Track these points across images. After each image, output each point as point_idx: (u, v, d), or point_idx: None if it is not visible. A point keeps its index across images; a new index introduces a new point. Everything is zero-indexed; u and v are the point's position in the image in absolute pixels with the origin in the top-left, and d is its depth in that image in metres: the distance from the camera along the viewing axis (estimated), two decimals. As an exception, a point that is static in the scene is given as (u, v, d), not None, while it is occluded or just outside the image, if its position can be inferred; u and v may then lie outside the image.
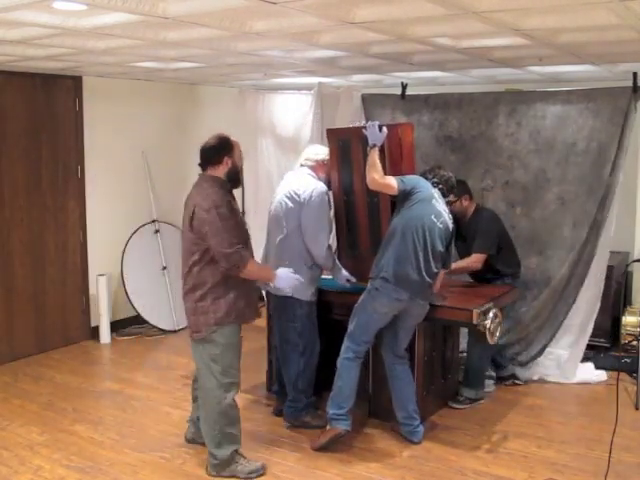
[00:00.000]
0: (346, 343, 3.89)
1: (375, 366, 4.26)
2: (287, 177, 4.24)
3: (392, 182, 3.81)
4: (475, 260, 4.50)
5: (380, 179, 3.82)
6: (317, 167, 4.13)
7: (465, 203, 4.58)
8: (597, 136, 4.76)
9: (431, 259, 3.76)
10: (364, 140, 4.02)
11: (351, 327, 3.89)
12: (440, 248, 3.80)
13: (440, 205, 3.86)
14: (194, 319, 3.52)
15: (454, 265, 4.23)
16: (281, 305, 4.05)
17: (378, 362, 4.19)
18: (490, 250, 4.53)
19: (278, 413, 4.34)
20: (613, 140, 4.68)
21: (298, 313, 4.02)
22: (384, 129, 4.00)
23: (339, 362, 3.89)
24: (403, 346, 3.94)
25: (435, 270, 3.81)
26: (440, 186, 4.00)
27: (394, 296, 3.73)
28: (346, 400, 3.85)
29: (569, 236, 4.92)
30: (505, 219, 5.11)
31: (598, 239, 4.80)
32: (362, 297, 3.86)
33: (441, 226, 3.80)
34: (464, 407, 4.50)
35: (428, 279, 3.77)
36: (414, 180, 3.88)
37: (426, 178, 4.00)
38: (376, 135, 3.96)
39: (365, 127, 4.04)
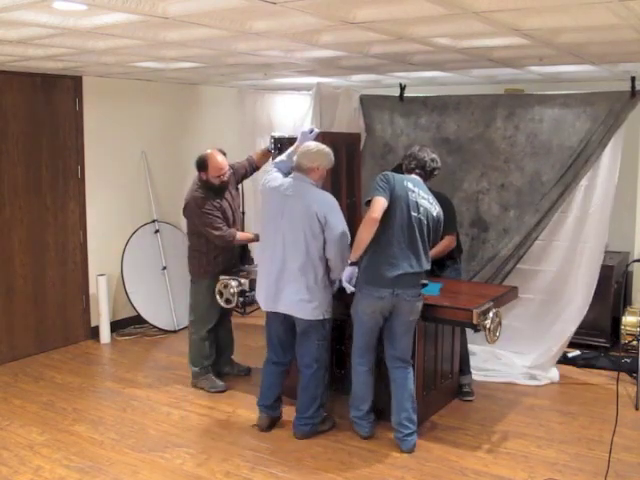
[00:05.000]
0: (352, 352, 3.97)
1: (376, 366, 4.25)
2: (293, 187, 3.88)
3: (379, 201, 3.65)
4: (450, 241, 4.48)
5: (372, 211, 3.64)
6: (312, 173, 3.88)
7: None
8: (592, 139, 4.76)
9: (411, 255, 3.71)
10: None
11: (353, 337, 3.95)
12: (420, 244, 3.73)
13: (417, 195, 3.75)
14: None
15: (432, 251, 4.19)
16: (313, 327, 3.91)
17: (378, 362, 4.18)
18: (456, 229, 4.59)
19: (268, 428, 4.14)
20: (607, 142, 4.69)
21: (327, 330, 3.99)
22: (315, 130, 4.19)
23: (352, 367, 3.98)
24: (403, 347, 3.88)
25: (419, 269, 3.73)
26: (417, 171, 3.96)
27: (375, 295, 3.73)
28: (362, 402, 3.94)
29: (562, 240, 4.94)
30: (498, 222, 5.14)
31: (581, 248, 4.83)
32: (352, 304, 3.90)
33: (422, 217, 3.73)
34: (474, 396, 4.59)
35: (412, 274, 3.71)
36: (389, 182, 3.70)
37: (402, 164, 4.04)
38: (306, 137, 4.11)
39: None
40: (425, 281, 3.83)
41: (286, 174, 4.02)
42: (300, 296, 3.84)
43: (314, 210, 3.77)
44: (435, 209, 3.84)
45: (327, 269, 3.89)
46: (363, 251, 3.71)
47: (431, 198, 3.86)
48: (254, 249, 6.00)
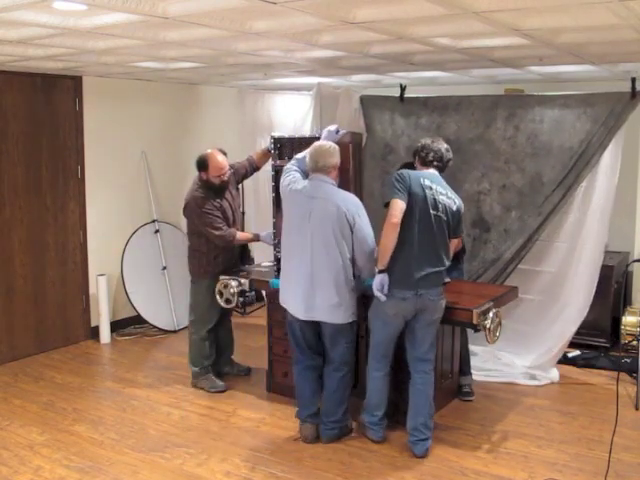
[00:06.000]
0: (369, 358, 3.90)
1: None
2: (318, 188, 3.81)
3: (397, 204, 3.57)
4: (459, 243, 4.45)
5: (391, 216, 3.56)
6: (333, 172, 3.85)
7: None
8: (593, 140, 4.76)
9: (432, 254, 3.65)
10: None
11: (370, 339, 3.88)
12: (440, 242, 3.67)
13: (435, 192, 3.66)
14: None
15: None
16: (341, 331, 3.86)
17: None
18: (463, 230, 4.58)
19: (316, 439, 4.01)
20: (608, 143, 4.69)
21: (354, 332, 3.95)
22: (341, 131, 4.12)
23: (367, 374, 3.92)
24: (426, 347, 3.80)
25: (441, 267, 3.68)
26: (435, 163, 3.84)
27: (398, 296, 3.64)
28: (377, 408, 3.89)
29: (562, 241, 4.95)
30: (500, 222, 5.13)
31: (580, 249, 4.83)
32: (370, 308, 3.83)
33: (442, 214, 3.66)
34: (474, 396, 4.60)
35: (434, 273, 3.65)
36: (404, 181, 3.62)
37: (417, 156, 3.91)
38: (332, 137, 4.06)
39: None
40: (448, 279, 3.76)
41: (305, 172, 3.95)
42: (332, 301, 3.76)
43: (343, 211, 3.72)
44: (455, 203, 3.74)
45: (354, 271, 3.84)
46: (390, 257, 3.60)
47: (450, 192, 3.75)
48: (254, 249, 6.01)
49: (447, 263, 3.75)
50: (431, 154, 3.84)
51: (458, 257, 4.62)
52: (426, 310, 3.71)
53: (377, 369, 3.89)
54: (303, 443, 3.97)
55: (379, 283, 3.64)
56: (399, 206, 3.56)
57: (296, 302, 3.87)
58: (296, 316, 3.89)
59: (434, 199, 3.65)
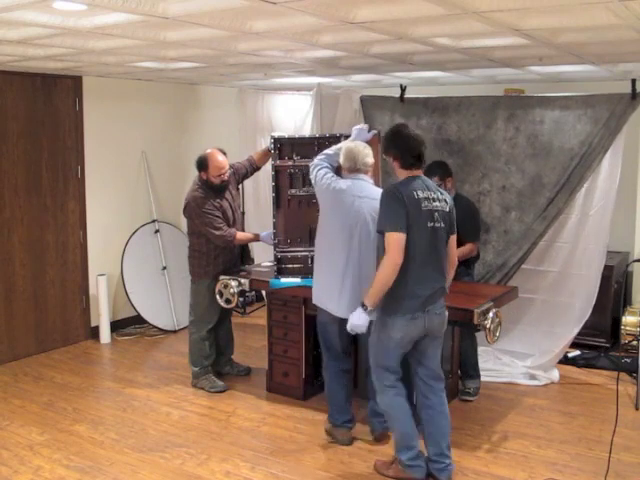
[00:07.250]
0: (376, 382, 3.55)
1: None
2: (363, 188, 3.78)
3: (399, 240, 3.26)
4: (471, 249, 4.54)
5: (394, 254, 3.26)
6: (370, 172, 3.86)
7: (449, 185, 4.43)
8: (594, 142, 4.76)
9: (436, 269, 3.42)
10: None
11: (372, 366, 3.55)
12: (440, 253, 3.44)
13: (429, 201, 3.35)
14: None
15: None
16: None
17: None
18: (480, 238, 4.64)
19: (351, 441, 4.00)
20: (609, 145, 4.70)
21: None
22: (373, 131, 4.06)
23: (383, 404, 3.54)
24: (436, 363, 3.54)
25: (444, 280, 3.50)
26: (418, 164, 3.43)
27: (409, 316, 3.35)
28: (412, 438, 3.49)
29: (564, 241, 4.95)
30: (499, 223, 5.14)
31: (582, 249, 4.84)
32: (372, 332, 3.51)
33: (437, 224, 3.40)
34: (476, 397, 4.59)
35: (439, 288, 3.45)
36: (400, 203, 3.30)
37: (395, 157, 3.45)
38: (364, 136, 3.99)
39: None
40: (447, 291, 3.58)
41: (335, 169, 3.90)
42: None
43: None
44: (447, 203, 3.45)
45: None
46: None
47: (439, 193, 3.44)
48: (254, 249, 6.01)
49: (447, 269, 3.54)
50: (409, 159, 3.41)
51: (469, 263, 4.63)
52: (434, 325, 3.47)
53: (396, 393, 3.51)
54: (302, 443, 3.97)
55: (366, 321, 3.43)
56: (401, 242, 3.25)
57: (340, 301, 3.78)
58: (336, 315, 3.81)
59: (429, 210, 3.35)
